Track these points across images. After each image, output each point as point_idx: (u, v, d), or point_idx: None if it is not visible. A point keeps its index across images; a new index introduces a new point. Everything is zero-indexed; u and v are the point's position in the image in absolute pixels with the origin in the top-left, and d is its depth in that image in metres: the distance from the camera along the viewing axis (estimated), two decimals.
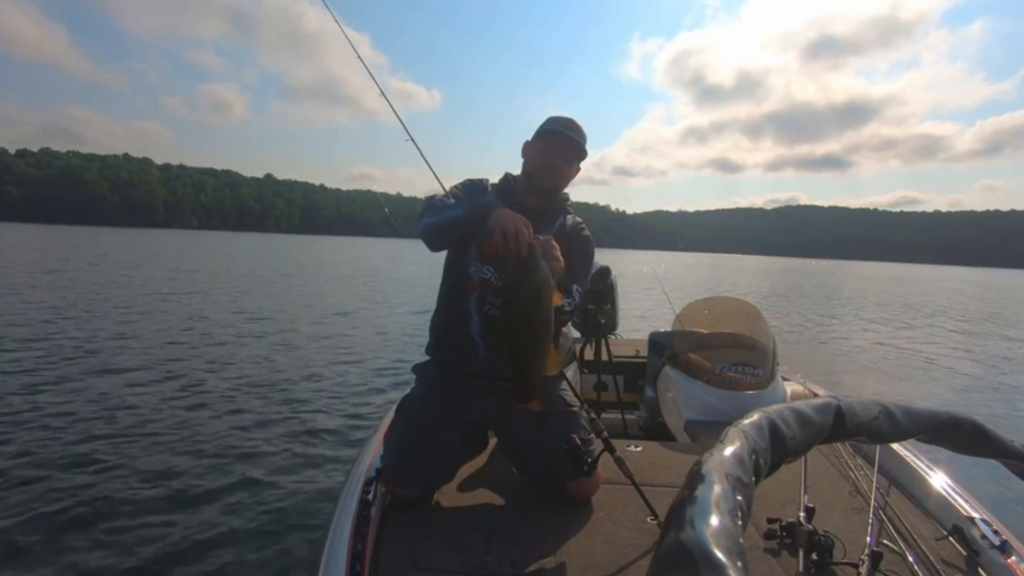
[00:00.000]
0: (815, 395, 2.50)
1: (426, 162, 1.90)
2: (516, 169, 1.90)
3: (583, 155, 1.80)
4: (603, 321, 2.91)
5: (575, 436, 1.62)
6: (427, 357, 1.89)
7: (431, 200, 1.75)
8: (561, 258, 1.47)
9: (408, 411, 1.80)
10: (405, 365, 6.27)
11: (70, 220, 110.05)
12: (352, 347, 7.34)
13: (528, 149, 1.84)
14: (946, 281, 46.36)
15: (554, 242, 1.47)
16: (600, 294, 2.90)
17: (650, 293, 14.91)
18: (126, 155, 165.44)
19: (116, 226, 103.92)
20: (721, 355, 2.65)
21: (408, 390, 1.93)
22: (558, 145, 1.76)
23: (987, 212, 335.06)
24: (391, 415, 1.94)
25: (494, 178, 1.96)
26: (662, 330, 3.14)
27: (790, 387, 2.72)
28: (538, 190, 1.79)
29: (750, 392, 2.48)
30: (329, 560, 1.25)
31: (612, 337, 3.12)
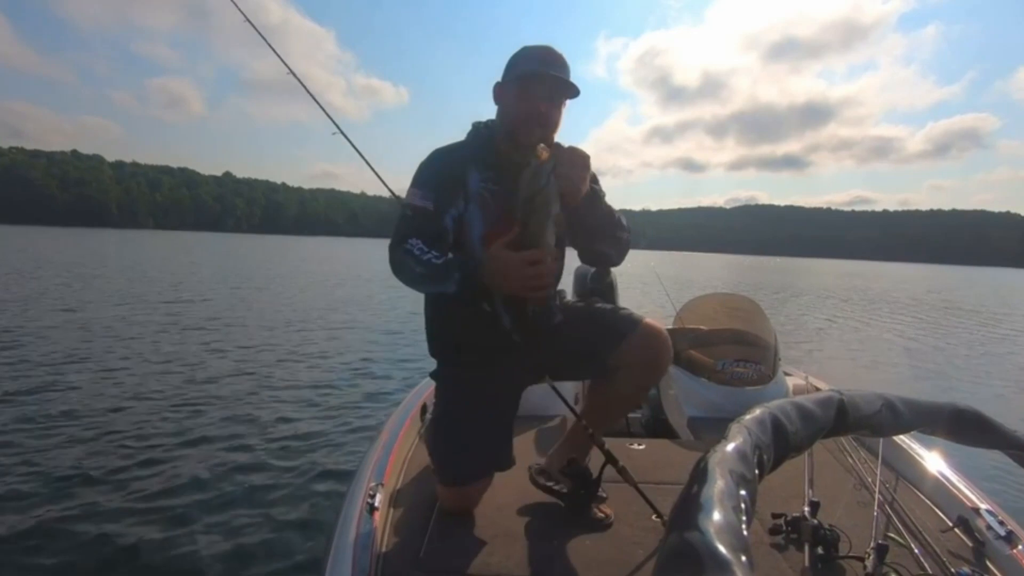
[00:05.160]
0: (817, 389, 2.57)
1: (365, 160, 1.79)
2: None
3: (575, 93, 1.57)
4: None
5: (582, 462, 1.66)
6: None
7: (412, 248, 1.48)
8: (586, 170, 1.45)
9: (452, 399, 1.69)
10: (406, 367, 6.54)
11: (15, 220, 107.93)
12: (353, 351, 7.48)
13: (502, 94, 1.61)
14: (900, 278, 48.66)
15: (580, 153, 1.44)
16: (600, 294, 2.96)
17: (648, 291, 15.10)
18: (75, 152, 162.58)
19: (65, 226, 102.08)
20: (723, 352, 2.72)
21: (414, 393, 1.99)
22: (543, 90, 1.53)
23: (931, 211, 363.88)
24: (394, 416, 1.98)
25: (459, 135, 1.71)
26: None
27: (792, 382, 2.80)
28: (523, 146, 1.53)
29: (752, 388, 2.55)
30: (334, 563, 1.30)
31: None
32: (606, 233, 1.58)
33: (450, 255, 1.48)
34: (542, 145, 1.42)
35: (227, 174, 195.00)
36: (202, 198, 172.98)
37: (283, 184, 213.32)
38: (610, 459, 1.64)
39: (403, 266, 1.49)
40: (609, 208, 1.56)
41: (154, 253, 31.54)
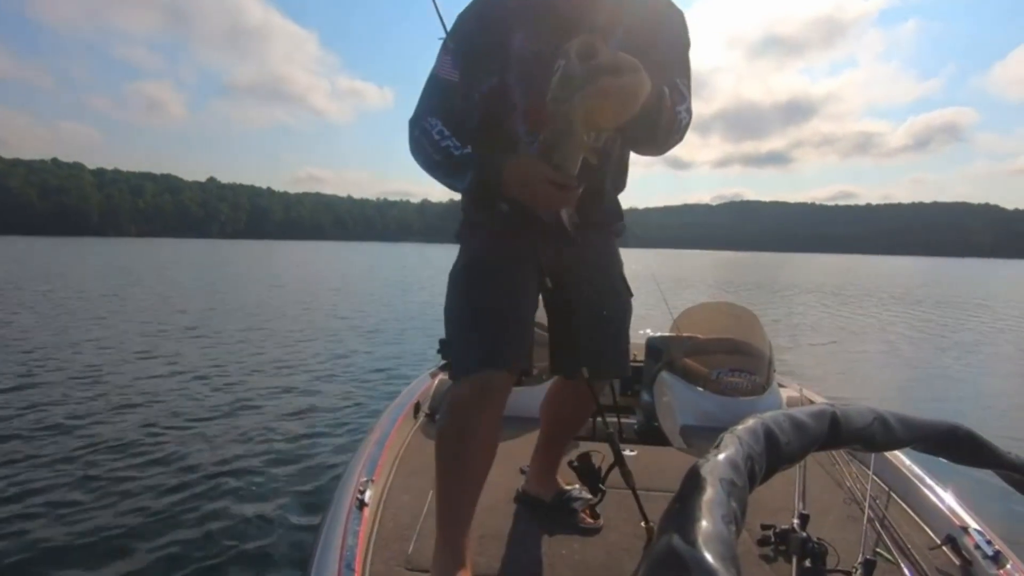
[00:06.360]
0: (811, 401, 2.60)
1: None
2: None
3: None
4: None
5: (590, 455, 1.67)
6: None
7: (431, 129, 1.27)
8: (629, 106, 1.03)
9: (472, 263, 1.43)
10: (400, 366, 6.68)
11: None
12: (344, 351, 7.62)
13: None
14: (885, 271, 49.87)
15: (629, 85, 1.00)
16: None
17: (645, 292, 15.27)
18: (55, 160, 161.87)
19: (45, 235, 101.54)
20: (718, 360, 2.74)
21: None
22: None
23: (913, 204, 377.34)
24: (388, 413, 2.07)
25: None
26: (659, 334, 3.23)
27: (786, 393, 2.83)
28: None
29: (746, 398, 2.57)
30: (321, 559, 1.31)
31: None
32: (649, 143, 1.27)
33: (468, 149, 1.24)
34: (588, 40, 1.01)
35: (211, 179, 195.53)
36: (186, 204, 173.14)
37: (268, 188, 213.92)
38: (619, 460, 1.64)
39: (420, 148, 1.30)
40: (669, 119, 1.18)
41: (139, 261, 31.45)
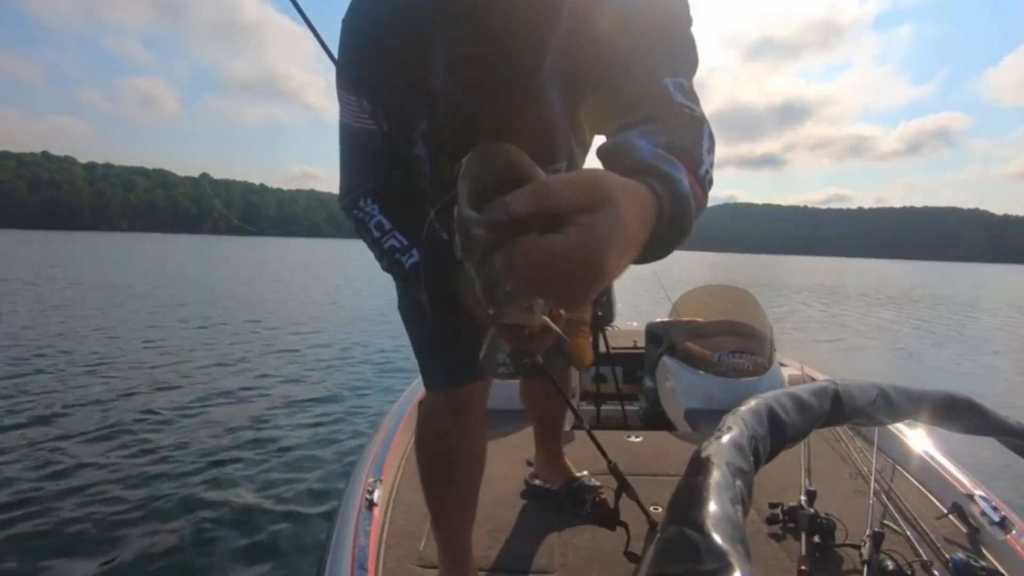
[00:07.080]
0: (812, 379, 2.62)
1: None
2: None
3: None
4: (600, 313, 3.02)
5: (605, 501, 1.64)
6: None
7: (367, 219, 0.95)
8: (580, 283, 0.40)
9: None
10: (402, 363, 6.61)
11: None
12: (352, 349, 7.62)
13: None
14: (879, 275, 50.07)
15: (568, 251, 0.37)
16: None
17: (644, 285, 15.32)
18: (45, 153, 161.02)
19: (36, 229, 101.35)
20: (719, 343, 2.77)
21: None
22: None
23: (904, 208, 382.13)
24: (392, 412, 2.08)
25: None
26: (658, 320, 3.24)
27: (788, 372, 2.85)
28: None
29: (749, 379, 2.60)
30: (334, 558, 1.33)
31: (609, 329, 3.22)
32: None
33: (414, 256, 0.91)
34: (483, 158, 0.42)
35: (204, 175, 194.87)
36: (178, 199, 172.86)
37: (262, 185, 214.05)
38: (625, 487, 1.58)
39: (364, 239, 0.97)
40: (698, 207, 0.59)
41: (133, 258, 31.36)
